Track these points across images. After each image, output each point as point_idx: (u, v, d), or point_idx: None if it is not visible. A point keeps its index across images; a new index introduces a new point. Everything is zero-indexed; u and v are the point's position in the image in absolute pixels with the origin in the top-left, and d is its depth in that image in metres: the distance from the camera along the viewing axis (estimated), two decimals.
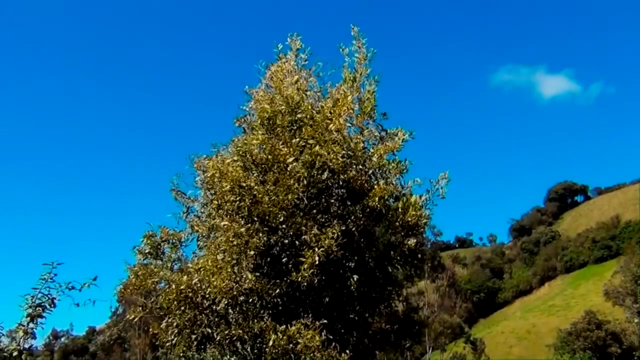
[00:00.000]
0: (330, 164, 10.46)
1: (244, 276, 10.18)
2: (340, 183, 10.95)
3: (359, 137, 11.56)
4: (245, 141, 11.18)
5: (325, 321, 9.80)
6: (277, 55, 12.52)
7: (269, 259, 10.70)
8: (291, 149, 10.65)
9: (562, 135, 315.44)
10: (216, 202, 10.79)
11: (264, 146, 10.91)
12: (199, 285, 10.19)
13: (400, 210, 11.29)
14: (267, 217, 10.33)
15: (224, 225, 10.51)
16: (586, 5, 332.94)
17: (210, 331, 10.34)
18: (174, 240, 11.81)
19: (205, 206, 11.83)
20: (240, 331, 9.98)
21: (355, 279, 10.38)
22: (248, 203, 10.28)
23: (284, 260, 10.57)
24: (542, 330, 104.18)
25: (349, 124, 11.60)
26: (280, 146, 10.74)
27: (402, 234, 11.42)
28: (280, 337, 9.52)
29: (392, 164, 11.67)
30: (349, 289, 10.53)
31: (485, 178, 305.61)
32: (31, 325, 6.57)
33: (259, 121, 11.55)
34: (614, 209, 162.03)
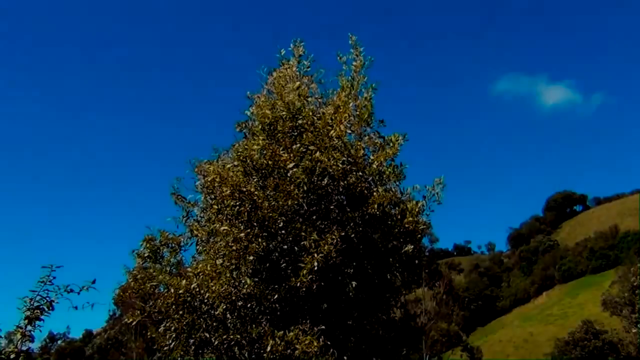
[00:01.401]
0: (331, 170, 10.48)
1: (243, 281, 10.19)
2: (340, 189, 10.96)
3: (359, 143, 11.57)
4: (246, 146, 11.20)
5: (324, 327, 9.78)
6: (280, 61, 12.54)
7: (268, 264, 10.70)
8: (292, 155, 10.67)
9: (562, 145, 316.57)
10: (216, 206, 10.80)
11: (265, 152, 10.93)
12: (197, 289, 10.19)
13: (398, 216, 11.30)
14: (266, 223, 10.34)
15: (224, 230, 10.52)
16: (587, 16, 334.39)
17: (208, 336, 10.33)
18: (173, 244, 11.79)
19: (205, 211, 11.82)
20: (238, 336, 9.98)
21: (353, 285, 10.37)
22: (248, 208, 10.29)
23: (282, 265, 10.57)
24: (539, 339, 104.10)
25: (349, 131, 11.61)
26: (281, 152, 10.75)
27: (401, 240, 11.42)
28: (278, 342, 9.51)
29: (390, 169, 11.67)
30: (347, 295, 10.52)
31: (485, 186, 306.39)
32: (29, 327, 6.58)
33: (260, 126, 11.56)
34: (612, 218, 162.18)
